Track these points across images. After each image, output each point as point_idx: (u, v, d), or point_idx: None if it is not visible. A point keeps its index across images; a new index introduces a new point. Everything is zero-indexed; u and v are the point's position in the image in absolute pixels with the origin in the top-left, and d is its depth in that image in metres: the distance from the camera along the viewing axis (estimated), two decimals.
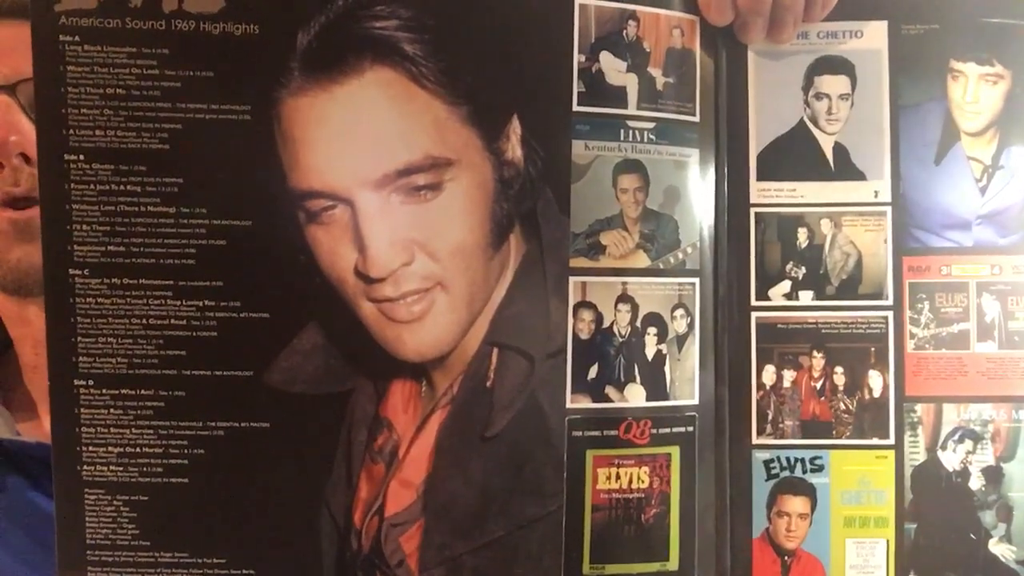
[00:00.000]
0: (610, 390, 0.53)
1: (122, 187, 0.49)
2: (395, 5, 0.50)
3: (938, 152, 0.56)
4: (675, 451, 0.54)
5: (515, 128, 0.52)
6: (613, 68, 0.53)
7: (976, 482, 0.56)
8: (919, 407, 0.56)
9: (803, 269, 0.56)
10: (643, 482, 0.54)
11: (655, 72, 0.54)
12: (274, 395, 0.51)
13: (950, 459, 0.56)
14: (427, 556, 0.52)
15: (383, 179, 0.50)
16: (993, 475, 0.56)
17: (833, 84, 0.56)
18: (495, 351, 0.53)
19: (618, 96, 0.53)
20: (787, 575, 0.56)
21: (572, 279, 0.53)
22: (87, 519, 0.51)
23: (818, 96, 0.56)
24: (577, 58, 0.52)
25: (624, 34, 0.53)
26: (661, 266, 0.54)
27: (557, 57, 0.52)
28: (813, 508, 0.56)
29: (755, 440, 0.56)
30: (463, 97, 0.51)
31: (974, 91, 0.56)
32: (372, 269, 0.50)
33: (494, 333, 0.53)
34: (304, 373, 0.51)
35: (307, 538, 0.52)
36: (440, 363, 0.53)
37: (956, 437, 0.56)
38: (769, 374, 0.56)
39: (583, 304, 0.53)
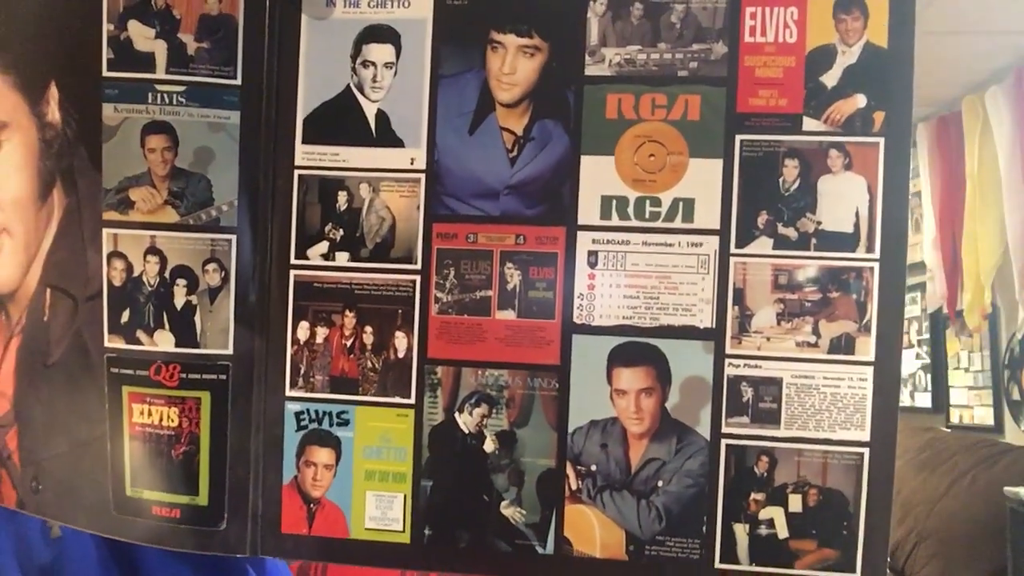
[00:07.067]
0: (140, 334, 0.58)
1: None
2: None
3: (473, 121, 0.57)
4: (206, 396, 0.58)
5: (53, 94, 0.58)
6: (141, 35, 0.56)
7: (490, 445, 0.57)
8: (439, 369, 0.57)
9: (341, 231, 0.58)
10: (173, 421, 0.58)
11: (186, 38, 0.57)
12: None
13: (466, 421, 0.57)
14: (24, 455, 0.60)
15: None
16: (506, 439, 0.57)
17: (379, 52, 0.58)
18: (48, 291, 0.59)
19: (146, 61, 0.57)
20: (312, 521, 0.59)
21: (105, 231, 0.57)
22: None
23: (365, 64, 0.58)
24: (106, 27, 0.56)
25: (153, 3, 0.56)
26: (191, 222, 0.58)
27: (88, 27, 0.57)
28: (338, 460, 0.59)
29: (288, 392, 0.59)
30: (11, 67, 0.58)
31: (511, 62, 0.56)
32: None
33: (46, 275, 0.59)
34: None
35: None
36: (11, 298, 0.60)
37: (473, 400, 0.57)
38: (304, 330, 0.59)
39: (115, 254, 0.57)
